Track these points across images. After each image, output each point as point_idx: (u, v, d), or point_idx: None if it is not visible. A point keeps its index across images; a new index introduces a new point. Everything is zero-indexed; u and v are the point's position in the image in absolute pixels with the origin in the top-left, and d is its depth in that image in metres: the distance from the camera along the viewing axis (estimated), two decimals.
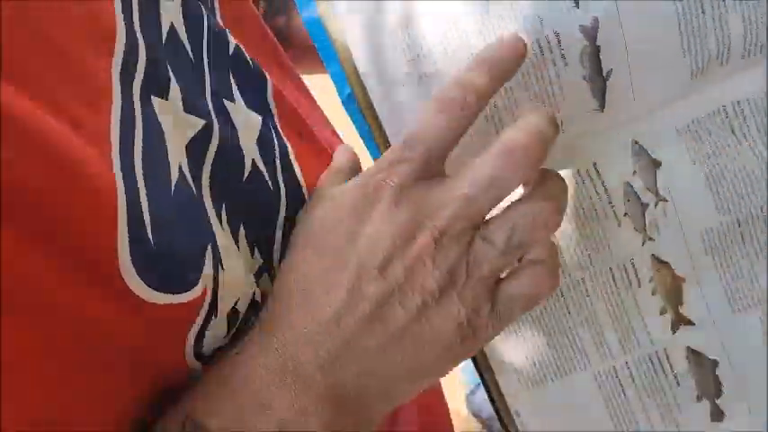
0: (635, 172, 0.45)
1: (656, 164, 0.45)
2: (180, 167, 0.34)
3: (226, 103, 0.40)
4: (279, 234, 0.39)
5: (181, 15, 0.39)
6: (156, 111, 0.34)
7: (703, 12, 0.40)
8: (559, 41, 0.40)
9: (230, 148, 0.38)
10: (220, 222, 0.36)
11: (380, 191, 0.36)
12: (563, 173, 0.42)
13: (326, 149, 0.47)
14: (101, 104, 0.31)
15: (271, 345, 0.35)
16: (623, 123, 0.44)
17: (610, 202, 0.45)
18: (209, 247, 0.34)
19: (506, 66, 0.37)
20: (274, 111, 0.44)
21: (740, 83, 0.43)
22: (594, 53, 0.40)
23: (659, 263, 0.47)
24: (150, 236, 0.30)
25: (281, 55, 0.51)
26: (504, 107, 0.41)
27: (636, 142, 0.45)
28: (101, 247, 0.29)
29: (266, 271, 0.39)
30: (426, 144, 0.36)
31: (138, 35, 0.34)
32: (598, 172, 0.45)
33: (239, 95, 0.42)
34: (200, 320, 0.33)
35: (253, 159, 0.39)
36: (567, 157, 0.44)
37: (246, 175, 0.39)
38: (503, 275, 0.37)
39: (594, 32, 0.40)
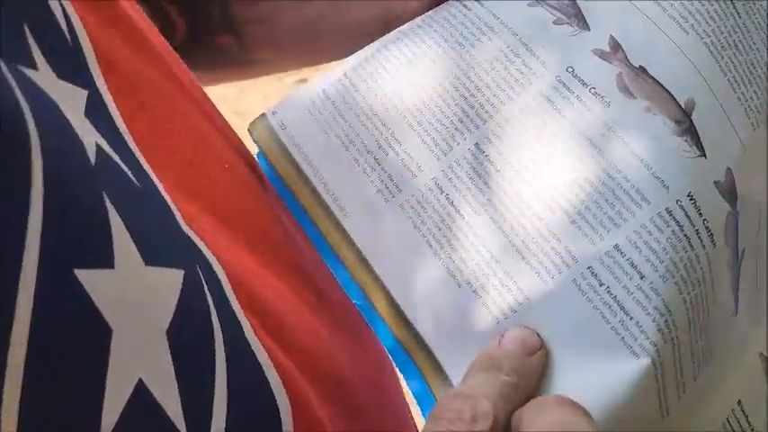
0: None
1: None
2: None
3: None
4: None
5: None
6: None
7: None
8: (700, 211, 0.28)
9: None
10: None
11: None
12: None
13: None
14: None
15: None
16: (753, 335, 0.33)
17: None
18: None
19: None
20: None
21: None
22: (736, 224, 0.30)
23: None
24: None
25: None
26: None
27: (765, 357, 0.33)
28: None
29: None
30: None
31: None
32: (746, 416, 0.32)
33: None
34: None
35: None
36: (705, 400, 0.31)
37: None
38: None
39: (733, 189, 0.29)
